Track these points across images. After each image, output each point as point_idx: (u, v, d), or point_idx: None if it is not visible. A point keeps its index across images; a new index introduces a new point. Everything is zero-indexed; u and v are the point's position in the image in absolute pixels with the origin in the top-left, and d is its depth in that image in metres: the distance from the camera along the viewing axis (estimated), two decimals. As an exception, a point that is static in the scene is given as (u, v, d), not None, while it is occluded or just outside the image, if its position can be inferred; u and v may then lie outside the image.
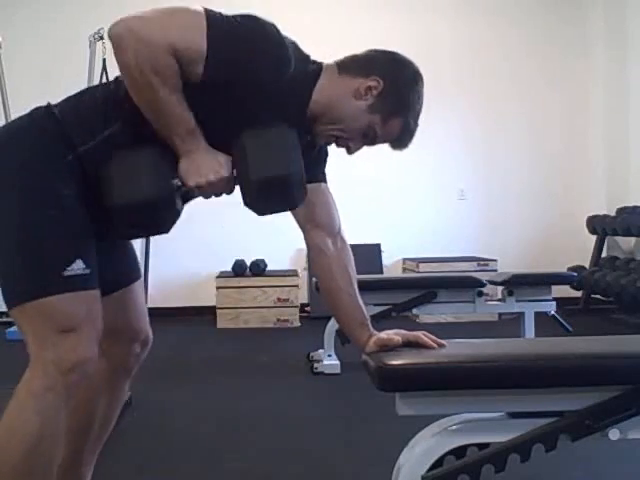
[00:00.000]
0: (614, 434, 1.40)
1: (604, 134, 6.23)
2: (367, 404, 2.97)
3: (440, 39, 6.13)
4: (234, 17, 1.45)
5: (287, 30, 1.52)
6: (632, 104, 5.92)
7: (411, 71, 1.58)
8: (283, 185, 1.45)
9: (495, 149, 6.31)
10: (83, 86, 1.68)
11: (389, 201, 6.14)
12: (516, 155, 6.30)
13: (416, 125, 1.58)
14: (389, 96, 1.53)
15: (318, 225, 1.67)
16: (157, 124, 1.43)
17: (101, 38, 4.89)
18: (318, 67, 1.56)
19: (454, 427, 1.41)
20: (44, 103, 1.54)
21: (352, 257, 1.70)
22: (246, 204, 1.49)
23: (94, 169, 1.46)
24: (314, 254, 1.69)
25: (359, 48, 1.61)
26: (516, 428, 1.40)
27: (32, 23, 5.86)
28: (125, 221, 1.47)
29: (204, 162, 1.44)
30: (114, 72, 1.49)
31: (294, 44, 1.52)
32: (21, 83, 5.36)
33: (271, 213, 1.55)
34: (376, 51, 1.60)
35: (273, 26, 1.48)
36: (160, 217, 1.48)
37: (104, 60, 4.89)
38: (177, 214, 1.49)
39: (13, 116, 2.88)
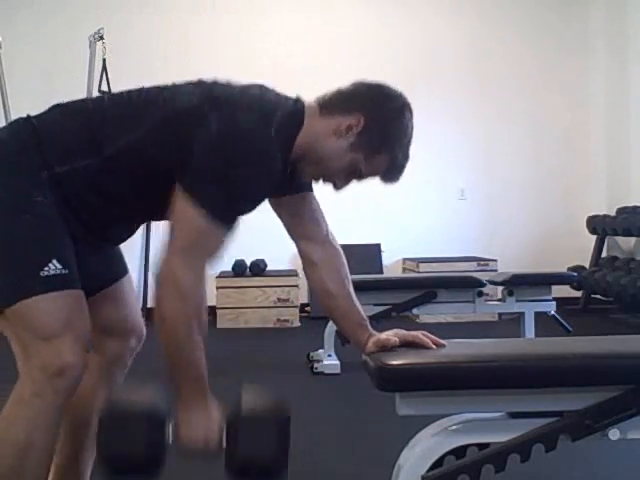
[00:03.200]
0: (614, 434, 1.40)
1: (604, 133, 6.23)
2: (367, 404, 2.97)
3: (440, 38, 6.12)
4: (207, 159, 1.41)
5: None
6: (633, 103, 5.92)
7: (396, 104, 1.52)
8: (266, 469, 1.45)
9: (495, 149, 6.30)
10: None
11: (389, 201, 6.12)
12: (516, 155, 6.30)
13: (405, 158, 1.53)
14: (371, 133, 1.47)
15: (305, 236, 1.68)
16: (172, 366, 1.47)
17: (101, 38, 4.89)
18: (300, 109, 1.52)
19: (454, 427, 1.41)
20: (44, 103, 1.54)
21: (344, 259, 1.69)
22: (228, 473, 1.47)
23: (72, 192, 1.46)
24: (304, 264, 1.71)
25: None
26: (516, 428, 1.40)
27: (32, 23, 5.85)
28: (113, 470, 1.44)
29: (200, 425, 1.47)
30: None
31: (271, 103, 1.48)
32: (21, 83, 5.36)
33: None
34: (361, 85, 1.54)
35: (246, 122, 1.41)
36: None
37: (104, 60, 4.89)
38: None
39: (13, 116, 2.89)
